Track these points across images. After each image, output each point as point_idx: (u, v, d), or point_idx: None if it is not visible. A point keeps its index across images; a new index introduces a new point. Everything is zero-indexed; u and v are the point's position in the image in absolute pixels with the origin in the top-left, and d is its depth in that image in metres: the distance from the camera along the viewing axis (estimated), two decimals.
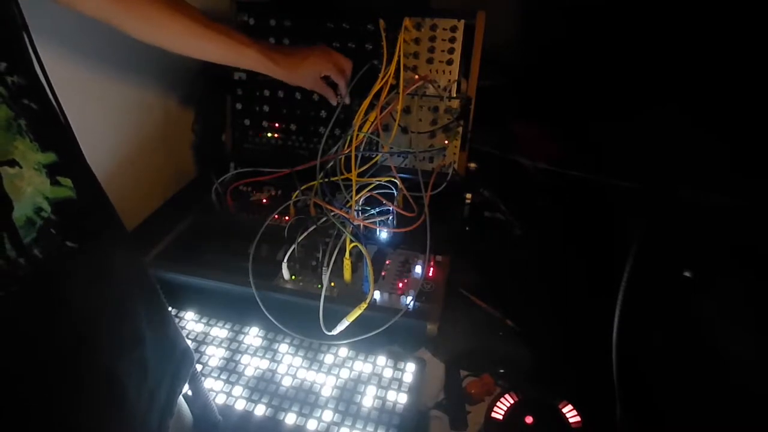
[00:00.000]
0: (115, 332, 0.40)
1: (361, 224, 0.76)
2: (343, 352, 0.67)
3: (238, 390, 0.63)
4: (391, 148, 0.86)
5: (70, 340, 0.36)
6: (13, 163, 0.32)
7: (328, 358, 0.66)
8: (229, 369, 0.66)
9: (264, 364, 0.66)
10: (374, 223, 0.78)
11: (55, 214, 0.35)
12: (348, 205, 0.76)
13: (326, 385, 0.63)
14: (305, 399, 0.62)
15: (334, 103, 0.88)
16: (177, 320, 0.73)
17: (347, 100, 0.87)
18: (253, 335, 0.70)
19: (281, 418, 0.60)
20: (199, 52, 0.73)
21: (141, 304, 0.44)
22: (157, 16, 0.66)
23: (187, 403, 0.55)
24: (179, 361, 0.50)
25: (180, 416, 0.52)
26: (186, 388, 0.52)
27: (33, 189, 0.33)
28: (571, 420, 0.58)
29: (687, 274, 0.65)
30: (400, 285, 0.73)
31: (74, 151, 0.40)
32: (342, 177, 0.80)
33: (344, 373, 0.64)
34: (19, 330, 0.33)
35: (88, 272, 0.38)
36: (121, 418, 0.40)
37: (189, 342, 0.69)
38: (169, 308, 0.50)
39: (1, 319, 0.31)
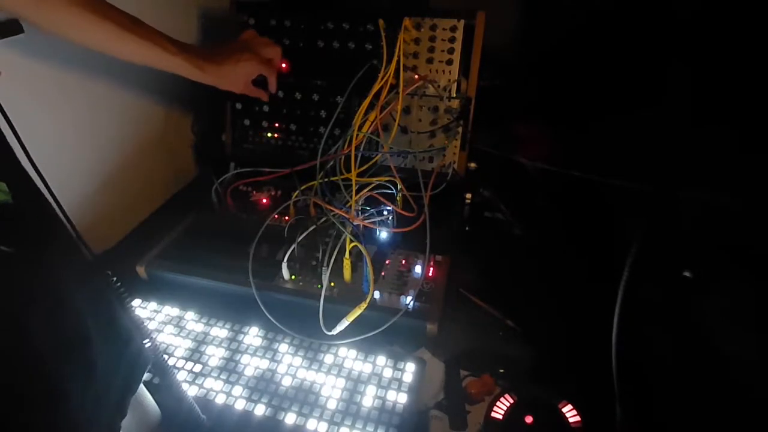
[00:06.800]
0: (57, 334, 0.40)
1: (361, 224, 0.76)
2: (343, 352, 0.67)
3: (237, 390, 0.63)
4: (391, 148, 0.86)
5: (5, 344, 0.35)
6: None
7: (328, 358, 0.66)
8: (229, 369, 0.66)
9: (264, 363, 0.66)
10: (374, 223, 0.78)
11: None
12: (348, 205, 0.76)
13: (326, 385, 0.63)
14: (305, 399, 0.62)
15: (266, 100, 0.92)
16: (177, 320, 0.73)
17: (274, 90, 0.91)
18: (253, 335, 0.70)
19: (281, 418, 0.60)
20: (124, 55, 0.72)
21: (86, 304, 0.44)
22: (79, 19, 0.65)
23: (157, 397, 0.54)
24: (133, 360, 0.49)
25: (145, 413, 0.51)
26: (156, 379, 0.51)
27: None
28: (571, 420, 0.58)
29: (687, 274, 0.65)
30: (400, 284, 0.73)
31: (8, 156, 0.39)
32: (342, 177, 0.80)
33: (344, 373, 0.64)
34: None
35: (24, 275, 0.38)
36: (65, 421, 0.39)
37: (189, 342, 0.69)
38: (132, 307, 0.48)
39: None
